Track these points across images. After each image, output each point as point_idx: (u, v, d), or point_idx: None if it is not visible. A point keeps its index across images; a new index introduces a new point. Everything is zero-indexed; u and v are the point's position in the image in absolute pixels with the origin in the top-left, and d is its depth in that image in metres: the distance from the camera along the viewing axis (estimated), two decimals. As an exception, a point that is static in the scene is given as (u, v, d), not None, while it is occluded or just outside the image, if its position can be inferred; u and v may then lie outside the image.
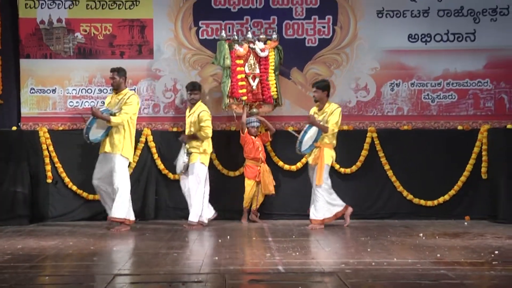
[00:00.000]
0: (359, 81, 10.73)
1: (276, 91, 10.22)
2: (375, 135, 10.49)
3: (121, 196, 9.29)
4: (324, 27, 10.73)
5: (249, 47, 10.18)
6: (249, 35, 10.27)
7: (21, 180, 9.77)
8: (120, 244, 7.98)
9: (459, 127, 10.60)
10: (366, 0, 10.71)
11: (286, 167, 10.48)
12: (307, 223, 9.76)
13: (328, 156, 9.52)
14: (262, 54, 10.19)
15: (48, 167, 10.33)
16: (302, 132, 9.44)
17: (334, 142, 9.65)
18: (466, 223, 10.04)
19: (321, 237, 8.41)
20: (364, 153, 10.49)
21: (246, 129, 10.10)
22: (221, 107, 10.21)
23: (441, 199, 10.45)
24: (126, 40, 10.65)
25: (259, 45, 10.21)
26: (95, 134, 9.26)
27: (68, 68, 10.59)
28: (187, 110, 10.04)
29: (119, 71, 9.56)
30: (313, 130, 9.44)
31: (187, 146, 9.73)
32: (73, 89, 10.57)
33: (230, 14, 10.68)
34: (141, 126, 10.54)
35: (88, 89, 10.63)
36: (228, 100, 10.05)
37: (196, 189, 9.62)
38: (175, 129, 10.52)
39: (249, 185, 10.06)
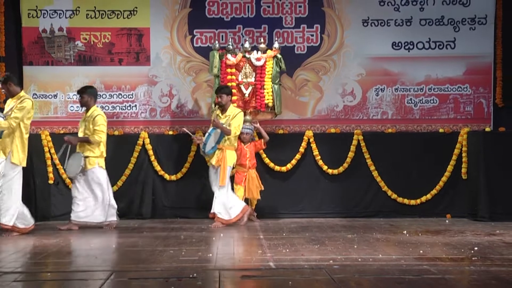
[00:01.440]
0: (345, 86, 10.74)
1: (272, 99, 10.01)
2: (361, 137, 10.50)
3: (6, 202, 8.53)
4: (312, 35, 10.73)
5: (244, 56, 10.05)
6: (246, 44, 10.15)
7: (24, 181, 9.71)
8: (119, 242, 7.96)
9: (440, 130, 10.62)
10: (352, 10, 10.72)
11: (277, 168, 10.48)
12: (297, 222, 9.78)
13: (231, 158, 9.55)
14: (257, 63, 10.02)
15: (50, 169, 10.31)
16: (206, 134, 9.44)
17: (236, 144, 9.65)
18: (447, 221, 10.06)
19: (310, 235, 8.40)
20: (350, 154, 10.49)
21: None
22: (211, 113, 10.06)
23: (423, 198, 10.47)
24: (124, 48, 10.63)
25: (254, 55, 10.06)
26: None
27: (69, 74, 10.57)
28: (83, 114, 9.59)
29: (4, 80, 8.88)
30: (217, 132, 9.44)
31: (79, 149, 9.31)
32: (74, 94, 10.53)
33: (223, 23, 10.67)
34: (139, 129, 10.54)
35: (88, 95, 10.58)
36: (215, 107, 9.86)
37: (102, 194, 9.30)
38: (171, 132, 10.51)
39: (237, 189, 9.86)
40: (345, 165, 10.49)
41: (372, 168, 10.48)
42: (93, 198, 9.27)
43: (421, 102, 10.73)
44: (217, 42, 10.19)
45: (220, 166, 9.47)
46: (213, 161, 9.55)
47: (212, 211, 9.52)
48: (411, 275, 5.86)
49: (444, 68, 10.71)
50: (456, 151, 10.44)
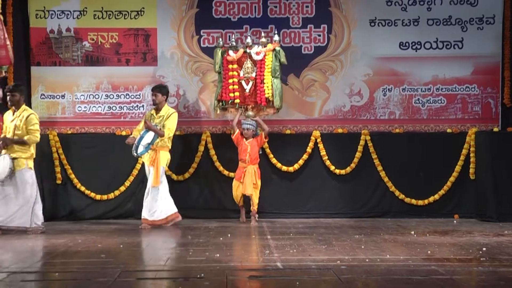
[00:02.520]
0: (353, 86, 10.72)
1: (272, 93, 9.93)
2: (368, 137, 10.48)
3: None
4: (319, 35, 10.72)
5: (245, 52, 10.03)
6: (248, 40, 10.14)
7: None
8: (126, 241, 7.97)
9: (448, 130, 10.59)
10: (359, 10, 10.70)
11: (284, 168, 10.47)
12: (304, 222, 9.78)
13: (164, 158, 9.51)
14: (257, 58, 9.97)
15: (58, 169, 10.33)
16: (139, 136, 9.36)
17: (169, 145, 9.63)
18: (455, 221, 10.03)
19: (317, 235, 8.39)
20: (358, 155, 10.48)
21: (238, 131, 9.97)
22: (215, 110, 10.16)
23: (431, 199, 10.44)
24: (131, 48, 10.64)
25: (254, 49, 10.02)
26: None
27: (76, 75, 10.58)
28: (9, 114, 9.26)
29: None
30: (150, 134, 9.37)
31: (5, 151, 8.92)
32: (81, 95, 10.56)
33: (230, 23, 10.67)
34: (146, 130, 10.53)
35: (95, 95, 10.62)
36: (217, 103, 10.00)
37: (30, 196, 8.93)
38: (178, 133, 10.50)
39: (234, 185, 9.93)
40: (353, 165, 10.48)
41: (380, 168, 10.46)
42: (22, 201, 8.90)
43: (429, 102, 10.70)
44: (220, 39, 10.20)
45: (153, 167, 9.43)
46: (147, 161, 9.53)
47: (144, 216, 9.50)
48: (419, 275, 5.84)
49: (451, 68, 10.67)
50: (464, 151, 10.41)
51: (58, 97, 10.54)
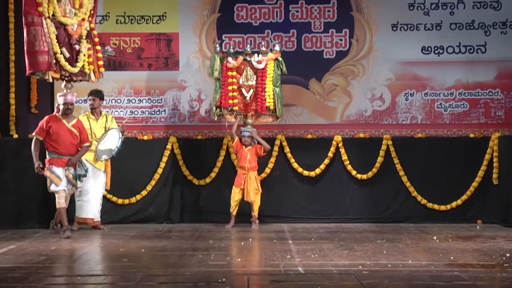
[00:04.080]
0: (375, 91, 10.70)
1: (274, 102, 9.97)
2: (390, 142, 10.44)
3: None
4: (341, 40, 10.72)
5: (244, 59, 10.02)
6: (247, 48, 10.18)
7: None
8: (148, 246, 7.99)
9: (471, 135, 10.53)
10: (381, 14, 10.69)
11: (305, 173, 10.45)
12: (325, 227, 9.76)
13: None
14: (259, 66, 9.99)
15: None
16: (119, 140, 9.40)
17: None
18: (478, 227, 9.96)
19: (339, 240, 8.37)
20: (379, 159, 10.44)
21: (237, 138, 9.98)
22: (213, 116, 10.14)
23: (454, 204, 10.38)
24: (153, 53, 10.70)
25: (255, 58, 10.02)
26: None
27: (99, 80, 10.62)
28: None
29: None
30: (115, 137, 9.45)
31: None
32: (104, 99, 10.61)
33: (252, 28, 10.70)
34: (167, 134, 10.59)
35: (117, 99, 10.69)
36: (216, 110, 9.99)
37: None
38: (199, 137, 10.54)
39: (234, 191, 9.92)
40: (374, 170, 10.44)
41: (402, 173, 10.41)
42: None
43: (451, 106, 10.65)
44: (217, 45, 10.19)
45: (106, 171, 9.61)
46: (100, 166, 9.56)
47: (92, 216, 9.54)
48: (441, 281, 5.81)
49: (474, 72, 10.62)
50: (487, 156, 10.34)
51: (80, 101, 10.60)
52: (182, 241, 8.43)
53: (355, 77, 10.71)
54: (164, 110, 10.71)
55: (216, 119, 10.16)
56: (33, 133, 8.93)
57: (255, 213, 9.92)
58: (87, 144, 9.04)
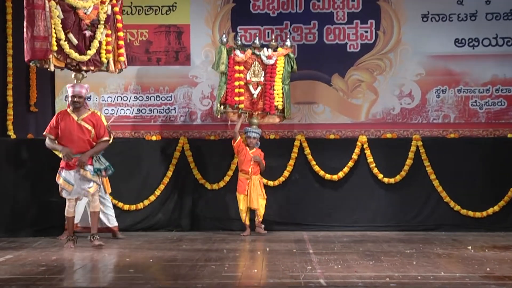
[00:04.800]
0: (403, 87, 10.66)
1: (282, 101, 9.97)
2: (420, 143, 10.40)
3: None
4: (366, 31, 10.68)
5: (253, 53, 10.00)
6: (256, 41, 10.10)
7: (55, 190, 9.81)
8: (157, 255, 7.99)
9: (509, 135, 10.48)
10: (410, 3, 10.65)
11: (328, 176, 10.42)
12: (349, 235, 9.74)
13: None
14: (268, 62, 9.98)
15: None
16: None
17: None
18: (516, 236, 9.91)
19: (364, 249, 8.34)
20: (408, 162, 10.40)
21: (239, 138, 9.90)
22: (217, 114, 10.03)
23: (490, 210, 10.32)
24: (162, 46, 10.71)
25: (265, 52, 10.00)
26: None
27: (103, 75, 10.60)
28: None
29: None
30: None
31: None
32: (109, 97, 10.65)
33: (269, 19, 10.68)
34: (178, 134, 10.59)
35: (123, 97, 10.70)
36: (220, 107, 9.89)
37: None
38: (212, 138, 10.54)
39: (239, 199, 9.89)
40: (403, 173, 10.40)
41: (433, 176, 10.37)
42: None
43: (487, 104, 10.59)
44: (224, 35, 10.09)
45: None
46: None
47: (111, 224, 9.60)
48: (477, 295, 5.77)
49: (513, 67, 10.58)
50: (527, 159, 10.29)
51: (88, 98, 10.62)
52: (194, 250, 8.43)
53: (381, 72, 10.68)
54: (174, 108, 10.72)
55: (219, 116, 10.09)
56: (44, 132, 8.83)
57: (260, 219, 9.92)
58: (104, 138, 8.80)
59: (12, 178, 9.87)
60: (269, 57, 9.98)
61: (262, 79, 10.01)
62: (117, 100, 10.72)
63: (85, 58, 8.87)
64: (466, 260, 7.53)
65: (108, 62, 9.18)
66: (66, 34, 8.64)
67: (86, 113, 8.80)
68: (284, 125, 10.52)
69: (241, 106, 9.93)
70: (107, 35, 9.08)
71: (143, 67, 10.70)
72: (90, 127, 8.71)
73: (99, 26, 8.97)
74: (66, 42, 8.63)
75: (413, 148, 10.41)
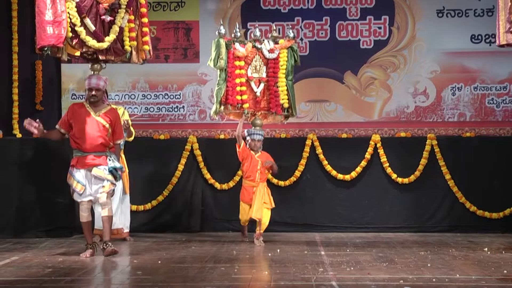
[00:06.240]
0: (417, 85, 10.65)
1: (288, 99, 9.33)
2: (435, 142, 10.38)
3: None
4: (380, 28, 10.68)
5: (254, 46, 9.34)
6: (257, 32, 9.45)
7: (62, 190, 9.85)
8: (165, 257, 8.00)
9: (526, 134, 10.47)
10: (425, -1, 10.66)
11: (340, 176, 10.42)
12: (362, 236, 9.73)
13: None
14: (271, 56, 9.31)
15: (91, 176, 10.44)
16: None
17: None
18: (534, 237, 9.88)
19: (378, 251, 8.33)
20: (423, 161, 10.38)
21: (244, 143, 9.29)
22: (214, 114, 9.36)
23: (507, 211, 10.31)
24: (170, 43, 10.73)
25: (267, 45, 9.37)
26: None
27: (110, 73, 10.59)
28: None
29: None
30: None
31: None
32: (116, 95, 10.68)
33: (280, 15, 10.70)
34: (187, 133, 10.61)
35: (131, 95, 10.73)
36: (220, 107, 9.18)
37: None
38: (222, 136, 10.55)
39: (242, 208, 9.28)
40: (417, 173, 10.39)
41: (448, 176, 10.35)
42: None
43: (504, 102, 10.57)
44: (222, 26, 9.34)
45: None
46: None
47: (122, 226, 9.50)
48: (493, 298, 5.76)
49: (531, 63, 10.55)
50: (545, 158, 10.26)
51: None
52: (203, 252, 8.44)
53: (395, 69, 10.67)
54: (183, 107, 10.74)
55: (215, 117, 9.63)
56: (56, 125, 8.20)
57: (262, 230, 9.12)
58: (118, 141, 8.21)
59: (18, 178, 9.90)
60: (271, 51, 9.34)
61: (264, 75, 9.33)
62: (125, 98, 10.74)
63: (103, 45, 8.20)
64: (482, 262, 7.51)
65: (130, 52, 8.54)
66: (82, 19, 8.04)
67: (105, 108, 8.17)
68: (295, 124, 10.53)
69: (246, 106, 9.23)
70: (129, 21, 8.41)
71: (150, 65, 10.64)
72: (107, 125, 8.03)
73: (119, 10, 8.29)
74: (82, 28, 8.04)
75: (427, 148, 10.39)
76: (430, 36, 10.64)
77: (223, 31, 9.27)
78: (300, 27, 10.64)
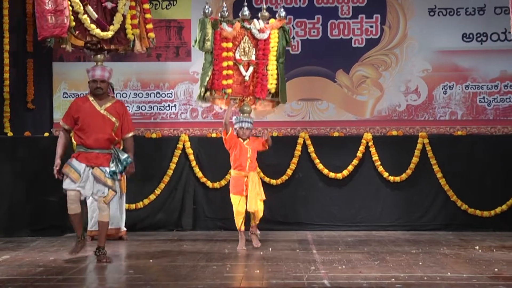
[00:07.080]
0: (409, 83, 10.67)
1: (277, 83, 8.84)
2: (426, 141, 10.41)
3: None
4: (371, 26, 10.69)
5: (242, 26, 8.77)
6: (245, 12, 8.87)
7: (53, 189, 9.84)
8: (157, 256, 8.01)
9: (518, 133, 10.50)
10: (417, -3, 10.67)
11: (332, 175, 10.44)
12: (354, 235, 9.75)
13: None
14: (261, 36, 8.76)
15: (82, 175, 10.43)
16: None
17: None
18: (525, 235, 9.92)
19: (369, 250, 8.36)
20: (414, 160, 10.41)
21: (231, 130, 8.73)
22: (199, 100, 8.90)
23: (498, 210, 10.33)
24: (162, 42, 10.71)
25: (256, 25, 8.81)
26: None
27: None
28: None
29: None
30: None
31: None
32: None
33: (272, 13, 10.60)
34: (178, 132, 10.61)
35: (123, 93, 10.72)
36: (206, 93, 8.66)
37: None
38: (214, 135, 10.56)
39: (235, 202, 8.69)
40: (409, 171, 10.41)
41: (439, 175, 10.37)
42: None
43: (496, 101, 10.60)
44: (207, 5, 8.70)
45: None
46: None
47: (119, 226, 9.52)
48: (484, 296, 5.79)
49: (522, 62, 10.58)
50: (536, 156, 10.29)
51: (82, 95, 10.64)
52: (195, 250, 8.45)
53: (387, 68, 10.69)
54: (175, 105, 10.74)
55: (202, 104, 9.59)
56: (60, 121, 7.81)
57: (257, 221, 8.76)
58: (131, 134, 7.82)
59: (9, 176, 9.88)
60: (261, 31, 8.78)
61: (253, 57, 8.80)
62: (116, 97, 10.67)
63: (108, 34, 8.03)
64: (473, 261, 7.54)
65: (133, 40, 8.33)
66: (84, 6, 7.82)
67: (110, 101, 7.73)
68: (287, 123, 10.55)
69: (229, 91, 8.65)
70: (131, 7, 8.21)
71: (142, 63, 10.71)
72: (114, 119, 7.61)
73: None
74: (86, 16, 7.80)
75: (419, 146, 10.42)
76: (422, 34, 10.66)
77: (208, 9, 8.64)
78: (292, 25, 10.64)
